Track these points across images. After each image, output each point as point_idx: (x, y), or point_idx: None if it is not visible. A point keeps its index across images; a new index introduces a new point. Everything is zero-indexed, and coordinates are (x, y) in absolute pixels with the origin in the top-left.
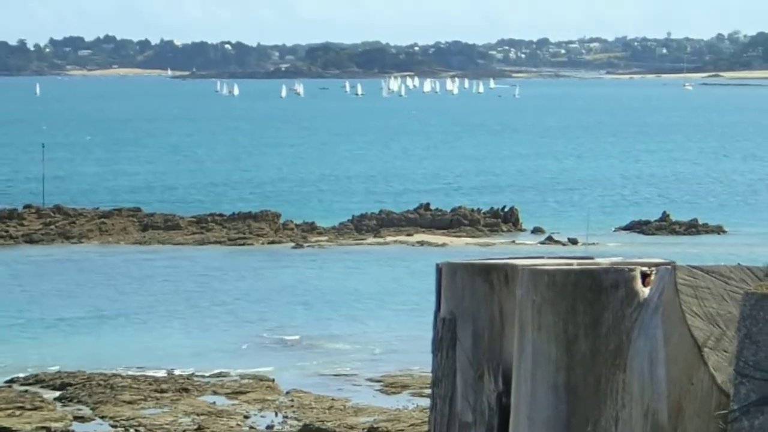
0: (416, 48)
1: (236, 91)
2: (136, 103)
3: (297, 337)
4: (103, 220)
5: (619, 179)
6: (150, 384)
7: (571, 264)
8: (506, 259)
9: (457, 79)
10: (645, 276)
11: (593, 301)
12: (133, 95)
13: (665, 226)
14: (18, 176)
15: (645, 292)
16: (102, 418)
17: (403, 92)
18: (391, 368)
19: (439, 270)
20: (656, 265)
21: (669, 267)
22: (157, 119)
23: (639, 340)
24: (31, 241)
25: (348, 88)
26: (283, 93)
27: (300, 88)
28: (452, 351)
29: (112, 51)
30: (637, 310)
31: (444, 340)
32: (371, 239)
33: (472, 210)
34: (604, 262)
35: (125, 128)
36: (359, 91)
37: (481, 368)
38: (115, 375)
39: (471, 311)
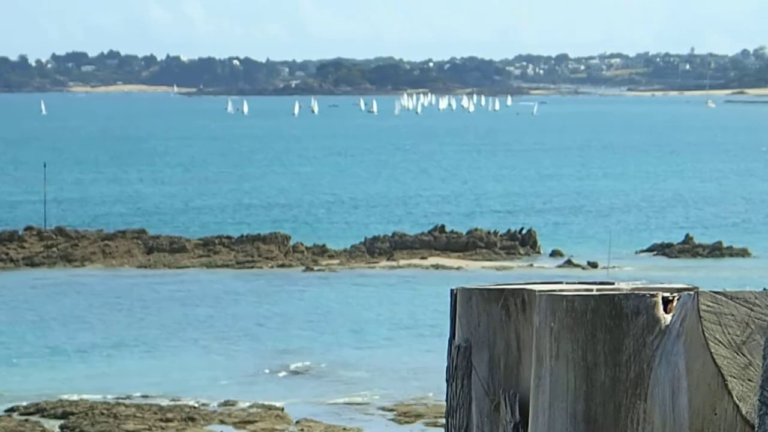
0: (431, 64)
1: (246, 109)
2: (142, 121)
3: (307, 364)
4: (106, 242)
5: (642, 200)
6: (155, 413)
7: (590, 289)
8: (523, 284)
9: (474, 96)
10: (667, 302)
11: (613, 328)
12: (139, 113)
13: (688, 248)
14: (24, 197)
15: (667, 318)
16: None
17: (419, 110)
18: (405, 397)
19: (453, 295)
20: (678, 290)
21: (691, 292)
22: (164, 138)
23: (660, 368)
24: (32, 264)
25: (363, 105)
26: (296, 111)
27: (315, 105)
28: (467, 380)
29: (117, 67)
30: (658, 337)
31: (458, 369)
32: (384, 262)
33: (489, 232)
34: (624, 287)
35: (132, 147)
36: (374, 109)
37: (497, 398)
38: (118, 403)
39: (486, 338)
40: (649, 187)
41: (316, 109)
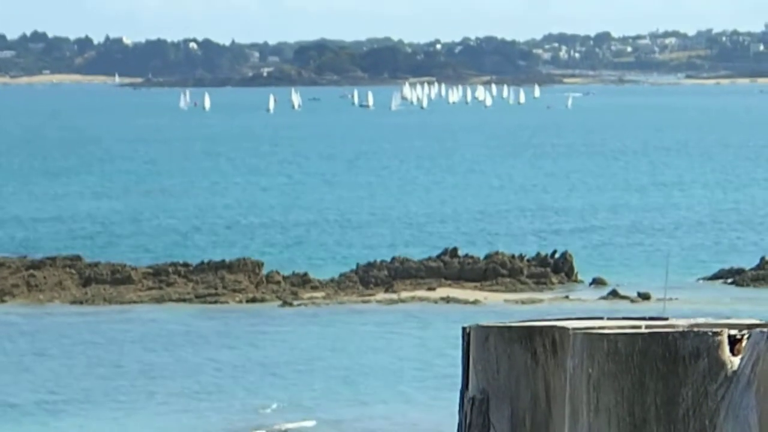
0: (438, 46)
1: (207, 104)
2: (76, 119)
3: (284, 421)
4: (32, 272)
5: (707, 216)
6: None
7: (638, 326)
8: (554, 320)
9: (492, 86)
10: (734, 341)
11: (667, 374)
12: (72, 109)
13: (764, 275)
14: None
15: (735, 362)
16: None
17: (424, 103)
18: None
19: (466, 335)
20: (749, 326)
21: (766, 330)
22: (104, 141)
23: (727, 424)
24: None
25: (356, 98)
26: (271, 105)
27: (295, 98)
28: None
29: (43, 52)
30: (724, 385)
31: (473, 426)
32: (381, 295)
33: (513, 256)
34: (681, 323)
35: (64, 152)
36: (369, 102)
37: None
38: None
39: (508, 389)
40: (716, 200)
41: (296, 104)
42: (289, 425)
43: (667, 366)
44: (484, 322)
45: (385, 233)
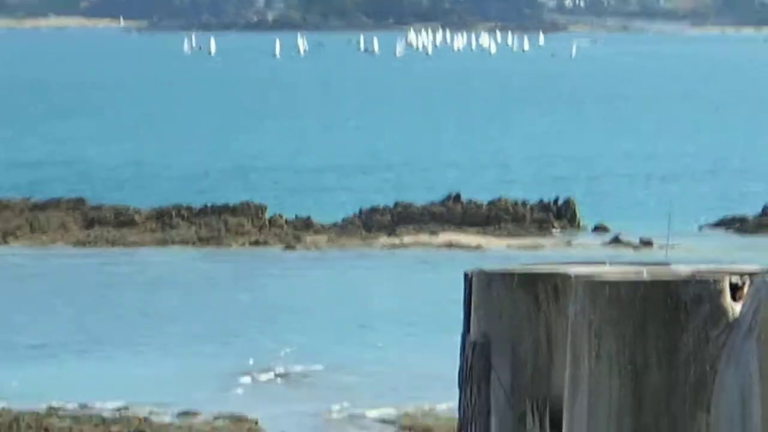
0: None
1: (212, 49)
2: (82, 63)
3: (287, 366)
4: (35, 213)
5: (711, 164)
6: (96, 426)
7: (640, 272)
8: (557, 266)
9: (498, 33)
10: (736, 288)
11: (669, 320)
12: (78, 53)
13: (767, 223)
14: None
15: (736, 308)
16: None
17: (429, 50)
18: (409, 407)
19: (468, 280)
20: (750, 273)
21: (767, 277)
22: (109, 85)
23: (728, 370)
24: None
25: (362, 44)
26: (278, 51)
27: (302, 43)
28: (485, 385)
29: None
30: (725, 332)
31: (474, 371)
32: (384, 239)
33: (516, 202)
34: (683, 270)
35: (70, 96)
36: (375, 48)
37: (522, 407)
38: (50, 414)
39: (510, 334)
40: (721, 149)
41: (302, 49)
42: (296, 369)
43: (668, 312)
44: (487, 267)
45: (389, 178)
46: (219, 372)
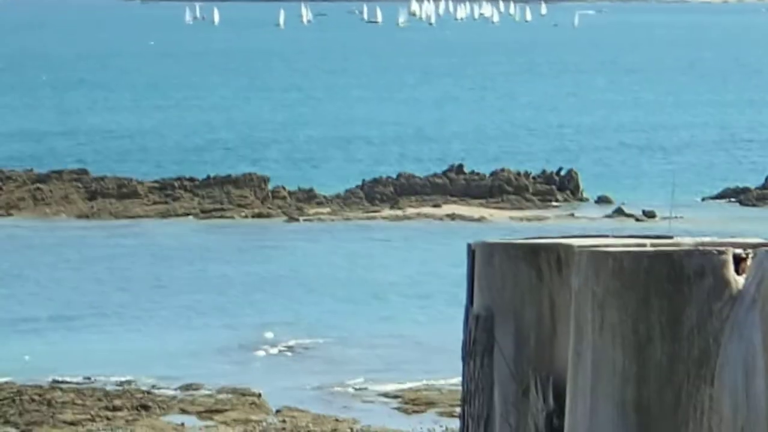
0: None
1: (216, 18)
2: (81, 33)
3: (290, 339)
4: (38, 185)
5: (714, 134)
6: (99, 399)
7: (643, 244)
8: (560, 238)
9: (501, 2)
10: (739, 260)
11: (672, 293)
12: (77, 23)
13: None
14: None
15: (739, 281)
16: None
17: (432, 19)
18: (412, 380)
19: (471, 252)
20: (754, 246)
21: None
22: (111, 55)
23: (731, 343)
24: None
25: (365, 13)
26: (281, 20)
27: (306, 13)
28: (488, 358)
29: None
30: (728, 304)
31: (478, 344)
32: (387, 211)
33: (518, 174)
34: (686, 242)
35: (71, 67)
36: (378, 18)
37: (525, 380)
38: (54, 387)
39: (512, 306)
40: (724, 119)
41: (306, 19)
42: (300, 342)
43: (672, 284)
44: (489, 239)
45: (392, 149)
46: (223, 345)
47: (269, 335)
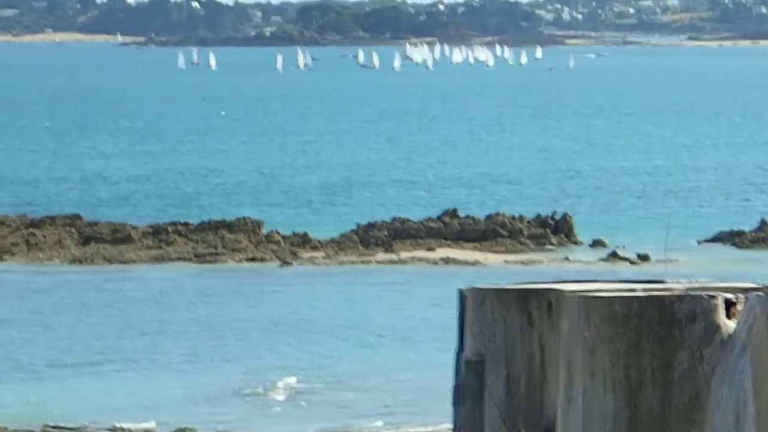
0: (440, 6)
1: (212, 63)
2: (80, 77)
3: (289, 383)
4: (31, 230)
5: (711, 177)
6: None
7: (634, 289)
8: (551, 283)
9: (497, 47)
10: (730, 305)
11: (663, 337)
12: (76, 68)
13: (764, 237)
14: None
15: (730, 326)
16: None
17: (430, 63)
18: (407, 423)
19: (462, 297)
20: (745, 290)
21: (762, 293)
22: (108, 99)
23: (722, 388)
24: None
25: (361, 57)
26: (279, 65)
27: (303, 57)
28: (479, 402)
29: (45, 11)
30: (719, 349)
31: (469, 388)
32: (381, 255)
33: (513, 218)
34: (677, 286)
35: (68, 111)
36: (375, 62)
37: (516, 424)
38: None
39: (503, 351)
40: (721, 162)
41: (302, 63)
42: (295, 386)
43: (663, 329)
44: (481, 285)
45: (386, 192)
46: (218, 389)
47: (264, 380)
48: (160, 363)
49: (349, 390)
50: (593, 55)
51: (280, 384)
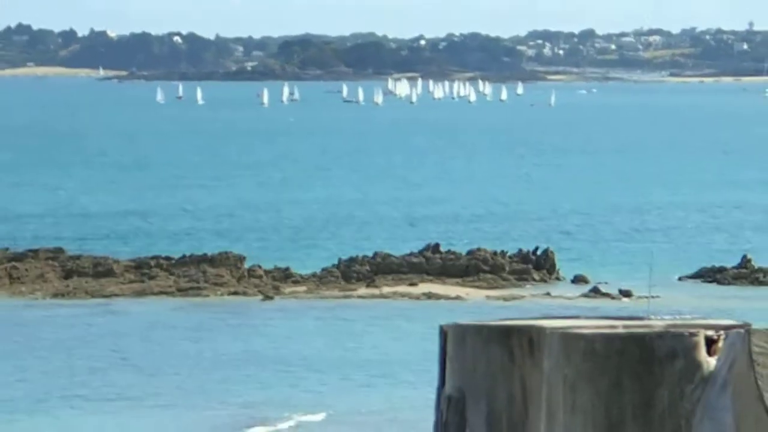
0: (422, 42)
1: (199, 97)
2: (61, 111)
3: (268, 419)
4: (13, 264)
5: (693, 214)
6: None
7: (614, 326)
8: (532, 319)
9: (479, 82)
10: (711, 342)
11: (643, 375)
12: (57, 102)
13: (746, 274)
14: None
15: (711, 363)
16: None
17: (413, 98)
18: None
19: (443, 333)
20: (726, 327)
21: (742, 330)
22: (88, 134)
23: (702, 425)
24: None
25: (345, 93)
26: (265, 99)
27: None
28: None
29: (27, 45)
30: (700, 386)
31: (449, 425)
32: (363, 290)
33: (495, 253)
34: (657, 323)
35: (47, 145)
36: (360, 98)
37: None
38: None
39: (484, 388)
40: (699, 198)
41: (286, 97)
42: (265, 419)
43: (643, 366)
44: (462, 321)
45: (367, 228)
46: (208, 426)
47: (247, 417)
48: (151, 399)
49: (335, 425)
50: (584, 91)
51: (257, 418)
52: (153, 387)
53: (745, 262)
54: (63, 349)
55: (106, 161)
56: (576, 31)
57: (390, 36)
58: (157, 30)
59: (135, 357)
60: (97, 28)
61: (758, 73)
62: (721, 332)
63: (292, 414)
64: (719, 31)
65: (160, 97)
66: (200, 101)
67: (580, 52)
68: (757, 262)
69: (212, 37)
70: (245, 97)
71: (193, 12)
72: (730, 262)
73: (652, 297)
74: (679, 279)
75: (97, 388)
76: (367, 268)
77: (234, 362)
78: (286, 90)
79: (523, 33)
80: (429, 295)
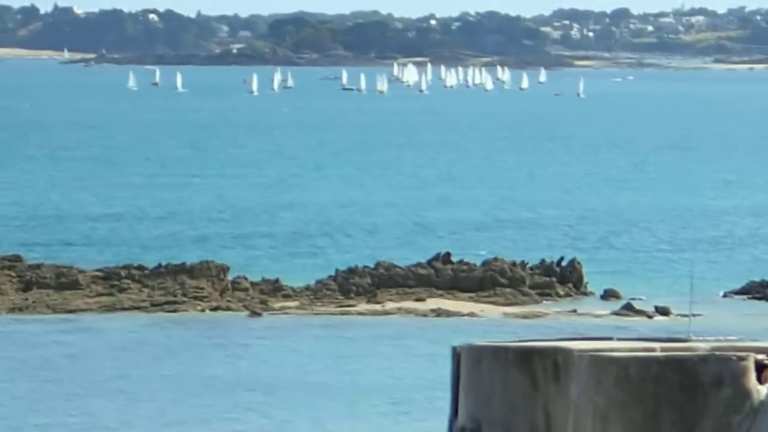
0: (432, 22)
1: (179, 84)
2: (20, 99)
3: None
4: None
5: (745, 217)
6: None
7: (652, 349)
8: (558, 340)
9: (497, 68)
10: (762, 367)
11: (684, 404)
12: (15, 88)
13: None
14: None
15: (762, 391)
16: None
17: (423, 86)
18: None
19: (456, 356)
20: None
21: None
22: (52, 124)
23: None
24: None
25: (345, 80)
26: (254, 87)
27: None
28: None
29: None
30: (749, 417)
31: None
32: (363, 306)
33: (514, 264)
34: (701, 346)
35: (9, 139)
36: (362, 86)
37: None
38: None
39: (502, 418)
40: (752, 202)
41: (278, 84)
42: None
43: (685, 395)
44: (478, 342)
45: (369, 235)
46: None
47: None
48: (130, 427)
49: None
50: (619, 79)
51: None
52: (137, 416)
53: None
54: (16, 372)
55: (72, 156)
56: (608, 11)
57: (396, 15)
58: (129, 7)
59: (114, 381)
60: (61, 4)
61: None
62: None
63: None
64: None
65: (132, 83)
66: (180, 88)
67: (613, 35)
68: None
69: (193, 15)
70: (231, 83)
71: None
72: None
73: (694, 315)
74: (724, 295)
75: (78, 415)
76: (368, 280)
77: (218, 388)
78: (277, 76)
79: (547, 12)
80: (438, 312)
